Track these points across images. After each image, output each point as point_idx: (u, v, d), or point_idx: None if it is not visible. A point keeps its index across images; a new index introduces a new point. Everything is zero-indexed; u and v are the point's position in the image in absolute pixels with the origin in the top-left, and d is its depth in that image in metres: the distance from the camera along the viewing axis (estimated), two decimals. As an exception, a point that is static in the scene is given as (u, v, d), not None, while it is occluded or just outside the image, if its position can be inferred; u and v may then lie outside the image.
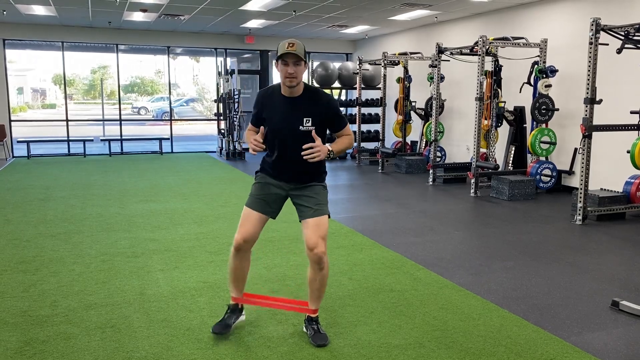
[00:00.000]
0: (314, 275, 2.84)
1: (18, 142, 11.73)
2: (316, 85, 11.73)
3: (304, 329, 2.95)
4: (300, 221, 2.86)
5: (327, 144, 2.74)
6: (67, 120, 12.24)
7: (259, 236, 2.88)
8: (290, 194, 2.85)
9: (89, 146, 12.35)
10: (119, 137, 12.58)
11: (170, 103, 13.73)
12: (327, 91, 12.55)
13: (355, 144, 11.43)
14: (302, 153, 2.64)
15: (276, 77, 13.84)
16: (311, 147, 2.65)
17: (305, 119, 2.70)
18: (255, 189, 2.87)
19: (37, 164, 10.50)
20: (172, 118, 13.68)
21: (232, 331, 2.95)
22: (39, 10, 9.48)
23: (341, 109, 12.74)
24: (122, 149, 12.56)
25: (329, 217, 2.85)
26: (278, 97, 2.75)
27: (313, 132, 2.70)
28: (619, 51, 5.39)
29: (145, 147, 13.36)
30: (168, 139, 12.90)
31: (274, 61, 2.70)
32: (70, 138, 12.21)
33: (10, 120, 11.58)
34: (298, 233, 5.07)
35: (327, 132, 2.88)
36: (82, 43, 12.00)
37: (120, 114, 12.90)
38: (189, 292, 3.58)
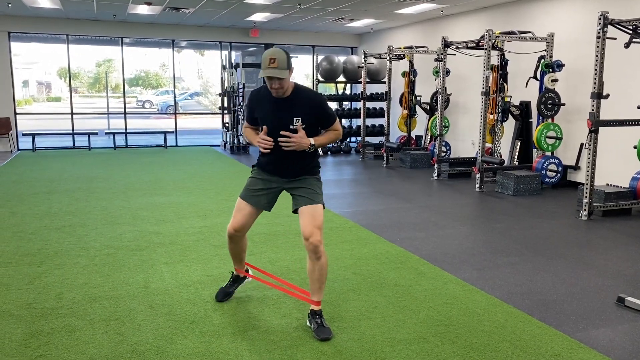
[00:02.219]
0: (312, 265, 2.89)
1: (23, 135, 11.76)
2: (321, 79, 11.70)
3: (308, 323, 2.95)
4: (294, 211, 2.95)
5: (310, 138, 2.84)
6: (72, 114, 12.26)
7: (251, 225, 3.07)
8: (285, 187, 2.99)
9: (94, 139, 12.37)
10: (124, 131, 12.59)
11: (174, 96, 13.73)
12: (332, 85, 12.68)
13: (359, 138, 11.43)
14: (279, 139, 2.78)
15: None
16: (288, 137, 2.77)
17: (295, 119, 2.82)
18: (250, 183, 3.02)
19: (42, 157, 10.54)
20: (177, 112, 13.67)
21: (236, 323, 2.96)
22: (43, 3, 9.48)
23: (346, 103, 12.77)
24: (126, 143, 12.58)
25: (324, 207, 2.94)
26: (269, 98, 2.85)
27: (299, 126, 2.81)
28: (627, 45, 5.34)
29: (149, 141, 13.38)
30: (172, 132, 12.90)
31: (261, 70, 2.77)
32: (75, 131, 12.23)
33: (16, 113, 11.61)
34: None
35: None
36: (87, 36, 12.00)
37: (125, 108, 12.91)
38: (193, 286, 3.59)
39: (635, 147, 5.58)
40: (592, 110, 5.52)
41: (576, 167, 7.49)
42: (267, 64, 2.69)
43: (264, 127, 2.83)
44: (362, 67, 10.88)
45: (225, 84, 12.31)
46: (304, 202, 2.88)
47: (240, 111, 11.69)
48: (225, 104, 12.39)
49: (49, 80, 26.99)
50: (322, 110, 2.91)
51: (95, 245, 4.50)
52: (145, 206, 6.06)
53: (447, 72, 8.70)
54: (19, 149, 11.69)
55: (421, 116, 10.45)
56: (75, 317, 3.07)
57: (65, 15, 11.04)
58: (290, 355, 2.66)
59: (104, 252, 4.31)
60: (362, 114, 10.95)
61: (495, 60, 7.55)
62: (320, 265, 2.86)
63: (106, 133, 12.79)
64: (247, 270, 3.38)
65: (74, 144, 12.21)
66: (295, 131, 2.81)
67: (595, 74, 5.48)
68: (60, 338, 2.81)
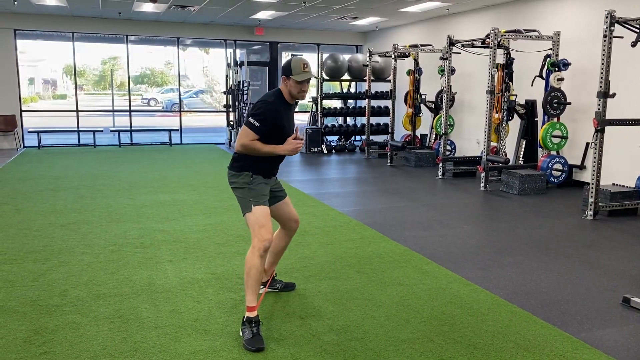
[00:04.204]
0: (287, 242, 3.34)
1: (29, 132, 11.81)
2: (325, 77, 11.69)
3: (269, 289, 3.40)
4: (272, 205, 3.16)
5: None
6: (77, 111, 12.30)
7: None
8: (270, 185, 3.13)
9: (99, 137, 12.40)
10: (129, 128, 12.62)
11: (179, 94, 13.74)
12: (336, 83, 12.67)
13: (363, 137, 11.41)
14: (297, 142, 2.99)
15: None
16: (301, 138, 3.04)
17: (295, 122, 3.20)
18: (261, 190, 3.01)
19: (48, 154, 10.57)
20: (182, 109, 13.69)
21: (240, 321, 2.94)
22: (49, 0, 9.50)
23: (350, 101, 12.78)
24: (131, 140, 12.61)
25: None
26: (285, 105, 3.03)
27: (297, 128, 3.14)
28: (634, 44, 5.30)
29: (154, 139, 13.40)
30: (177, 130, 12.92)
31: (282, 76, 3.01)
32: (80, 128, 12.27)
33: (21, 111, 11.65)
34: (305, 226, 5.07)
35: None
36: (93, 34, 12.03)
37: (130, 105, 12.94)
38: (197, 284, 3.59)
39: (641, 147, 5.55)
40: (598, 109, 5.49)
41: (582, 167, 7.45)
42: (302, 69, 2.94)
43: (296, 130, 3.06)
44: (367, 65, 10.86)
45: (230, 82, 12.31)
46: (283, 194, 3.24)
47: (245, 109, 11.66)
48: (230, 102, 12.39)
49: (54, 78, 27.07)
50: None
51: (100, 243, 4.52)
52: (149, 204, 6.07)
53: (453, 71, 8.67)
54: (24, 146, 11.73)
55: (426, 115, 10.42)
56: (80, 314, 3.08)
57: (70, 13, 11.07)
58: (293, 353, 2.66)
59: (109, 250, 4.32)
60: (366, 113, 10.93)
61: (500, 58, 7.52)
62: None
63: (111, 130, 12.83)
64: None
65: (79, 141, 12.25)
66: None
67: (602, 73, 5.44)
68: (64, 335, 2.82)
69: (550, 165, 7.24)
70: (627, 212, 5.86)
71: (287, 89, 2.99)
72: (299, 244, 4.52)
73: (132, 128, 12.68)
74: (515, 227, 5.29)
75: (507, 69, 7.52)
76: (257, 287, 2.87)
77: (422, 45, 9.88)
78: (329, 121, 12.57)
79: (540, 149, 7.59)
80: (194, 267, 3.93)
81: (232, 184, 3.01)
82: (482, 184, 7.33)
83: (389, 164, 9.78)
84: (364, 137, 11.58)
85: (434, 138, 9.99)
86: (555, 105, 7.23)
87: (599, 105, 5.49)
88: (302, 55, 13.58)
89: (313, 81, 13.18)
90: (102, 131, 12.35)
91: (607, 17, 5.41)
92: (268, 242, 2.88)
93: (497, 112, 7.53)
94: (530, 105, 7.68)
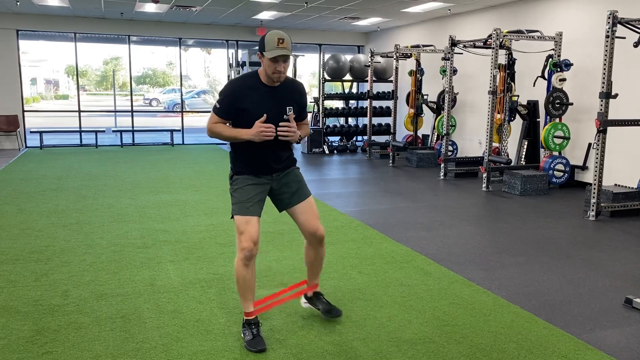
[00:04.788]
0: (315, 253, 2.95)
1: (31, 132, 11.82)
2: (327, 77, 11.69)
3: (307, 305, 3.08)
4: (284, 209, 2.90)
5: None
6: (79, 111, 12.32)
7: None
8: (273, 185, 2.84)
9: (101, 137, 12.42)
10: (131, 129, 12.63)
11: (181, 95, 13.75)
12: (338, 84, 12.65)
13: (365, 137, 11.41)
14: (279, 128, 2.66)
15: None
16: (288, 126, 2.69)
17: (287, 108, 2.73)
18: (243, 194, 2.74)
19: (50, 154, 10.59)
20: (184, 110, 13.70)
21: (242, 322, 2.95)
22: (51, 0, 9.52)
23: (352, 101, 12.77)
24: (133, 140, 12.62)
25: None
26: (260, 87, 2.70)
27: (292, 115, 2.74)
28: (636, 44, 5.29)
29: (156, 139, 13.41)
30: (179, 130, 12.93)
31: (258, 53, 2.67)
32: (82, 129, 12.29)
33: (24, 111, 11.66)
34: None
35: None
36: (95, 34, 12.04)
37: (132, 106, 12.94)
38: (198, 284, 3.59)
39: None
40: (601, 109, 5.48)
41: (584, 167, 7.44)
42: (276, 44, 2.56)
43: (264, 115, 2.63)
44: (369, 65, 10.86)
45: (232, 83, 12.29)
46: (298, 197, 2.86)
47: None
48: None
49: (56, 78, 27.12)
50: (305, 101, 2.88)
51: (102, 243, 4.52)
52: (151, 204, 6.08)
53: (454, 71, 8.66)
54: (26, 147, 11.75)
55: (428, 115, 10.42)
56: (82, 314, 3.08)
57: (73, 13, 11.09)
58: (295, 354, 2.66)
59: (111, 250, 4.33)
60: (368, 113, 10.92)
61: (502, 59, 7.51)
62: (323, 252, 2.97)
63: (113, 131, 12.84)
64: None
65: (81, 141, 12.27)
66: (288, 121, 2.72)
67: (604, 74, 5.44)
68: (66, 335, 2.82)
69: (552, 166, 7.23)
70: (629, 212, 5.85)
71: (263, 69, 2.67)
72: (301, 243, 4.51)
73: (134, 128, 12.69)
74: (517, 227, 5.28)
75: (509, 69, 7.51)
76: (248, 294, 2.75)
77: (424, 46, 9.88)
78: (331, 121, 12.57)
79: (542, 150, 7.58)
80: (196, 267, 3.93)
81: None
82: (484, 185, 7.32)
83: (390, 165, 9.78)
84: (365, 137, 11.58)
85: (435, 138, 9.98)
86: (558, 105, 7.22)
87: (601, 105, 5.48)
88: (303, 55, 13.62)
89: (314, 80, 13.15)
90: (104, 131, 12.36)
91: (609, 18, 5.40)
92: (248, 250, 2.64)
93: (499, 113, 7.52)
94: (532, 105, 7.67)
